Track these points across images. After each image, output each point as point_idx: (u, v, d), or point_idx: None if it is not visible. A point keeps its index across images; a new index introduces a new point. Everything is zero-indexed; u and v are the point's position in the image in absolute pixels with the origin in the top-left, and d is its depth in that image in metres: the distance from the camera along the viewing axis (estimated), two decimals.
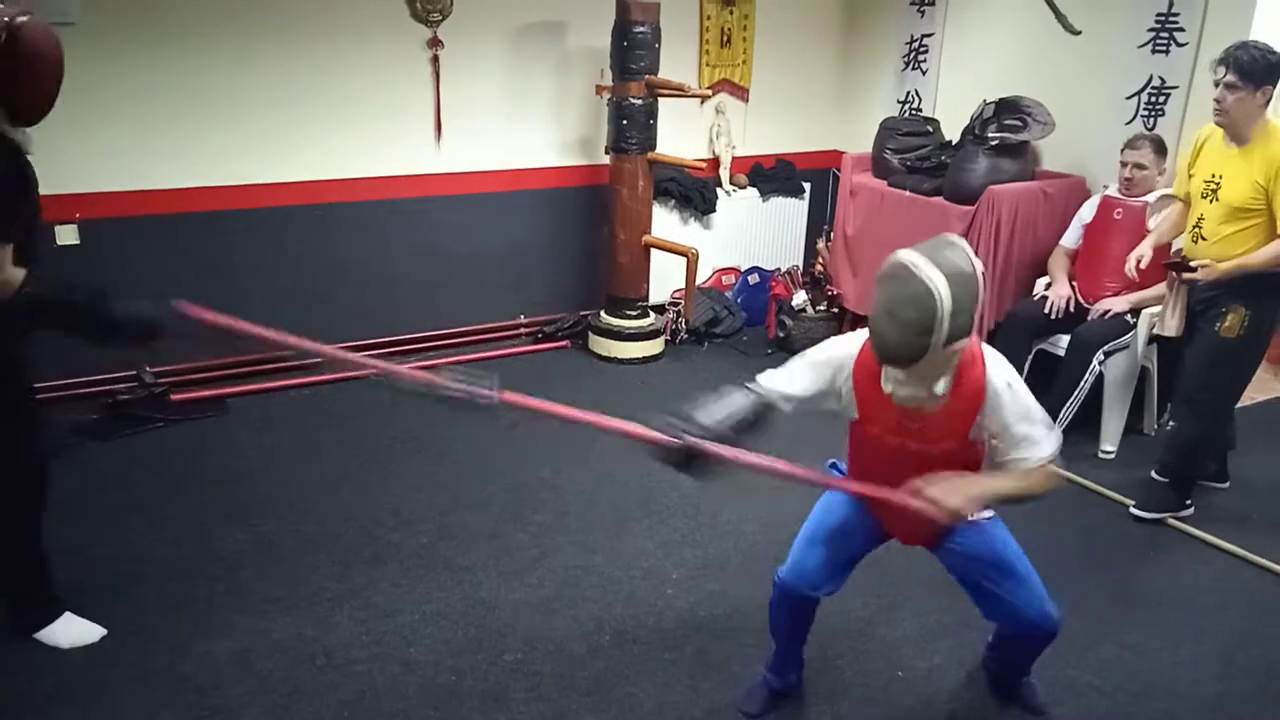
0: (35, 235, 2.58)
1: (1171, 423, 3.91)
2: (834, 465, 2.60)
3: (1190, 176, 3.59)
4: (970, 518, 2.22)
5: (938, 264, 2.00)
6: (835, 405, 2.35)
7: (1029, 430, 2.20)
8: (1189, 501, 3.78)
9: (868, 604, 3.17)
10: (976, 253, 4.83)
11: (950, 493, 2.12)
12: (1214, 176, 3.46)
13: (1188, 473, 3.77)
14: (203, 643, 2.88)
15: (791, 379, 2.34)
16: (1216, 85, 3.32)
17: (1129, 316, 4.16)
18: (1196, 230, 3.54)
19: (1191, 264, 3.51)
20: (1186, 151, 3.69)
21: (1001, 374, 2.20)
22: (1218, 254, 3.46)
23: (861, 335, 2.23)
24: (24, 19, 2.36)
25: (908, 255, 2.03)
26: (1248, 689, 2.89)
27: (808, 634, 2.70)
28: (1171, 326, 3.72)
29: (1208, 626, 3.15)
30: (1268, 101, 3.34)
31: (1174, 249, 3.95)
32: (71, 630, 2.89)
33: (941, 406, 2.17)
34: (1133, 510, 3.78)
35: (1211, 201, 3.47)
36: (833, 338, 2.42)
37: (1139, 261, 3.80)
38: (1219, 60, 3.32)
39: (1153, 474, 3.86)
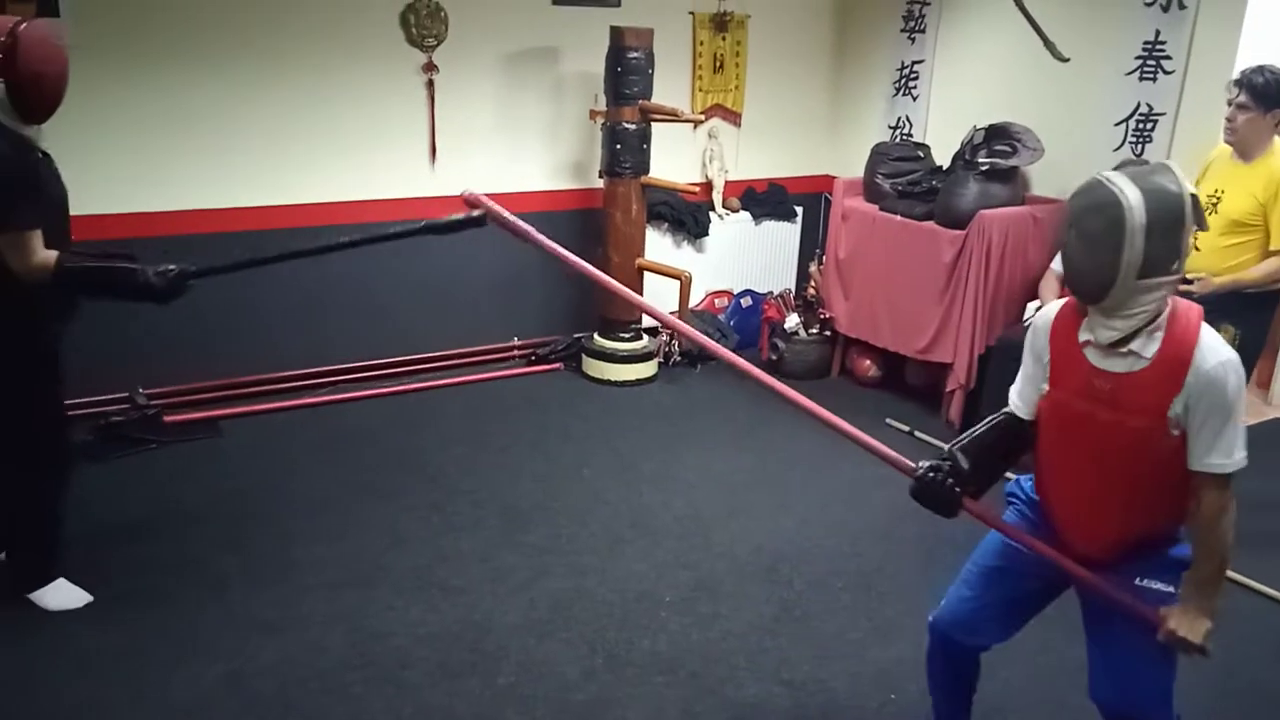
0: (64, 225, 2.86)
1: None
2: (1017, 483, 2.37)
3: (1197, 191, 3.66)
4: (1207, 651, 2.02)
5: (1134, 178, 1.89)
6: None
7: (1222, 433, 1.94)
8: None
9: (861, 626, 3.18)
10: (967, 277, 4.86)
11: (1188, 625, 2.00)
12: (1216, 191, 3.55)
13: None
14: (193, 664, 2.87)
15: (1020, 376, 2.23)
16: (1229, 105, 3.45)
17: None
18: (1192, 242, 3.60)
19: (1188, 277, 3.56)
20: (1195, 172, 3.76)
21: (1219, 354, 1.93)
22: (1210, 266, 3.52)
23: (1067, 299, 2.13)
24: (25, 25, 2.58)
25: (1104, 172, 1.94)
26: (1241, 711, 2.90)
27: (971, 696, 2.48)
28: None
29: None
30: (1278, 124, 3.45)
31: None
32: (60, 594, 3.08)
33: (1140, 370, 1.96)
34: None
35: (1210, 214, 3.54)
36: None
37: None
38: (1234, 81, 3.46)
39: None
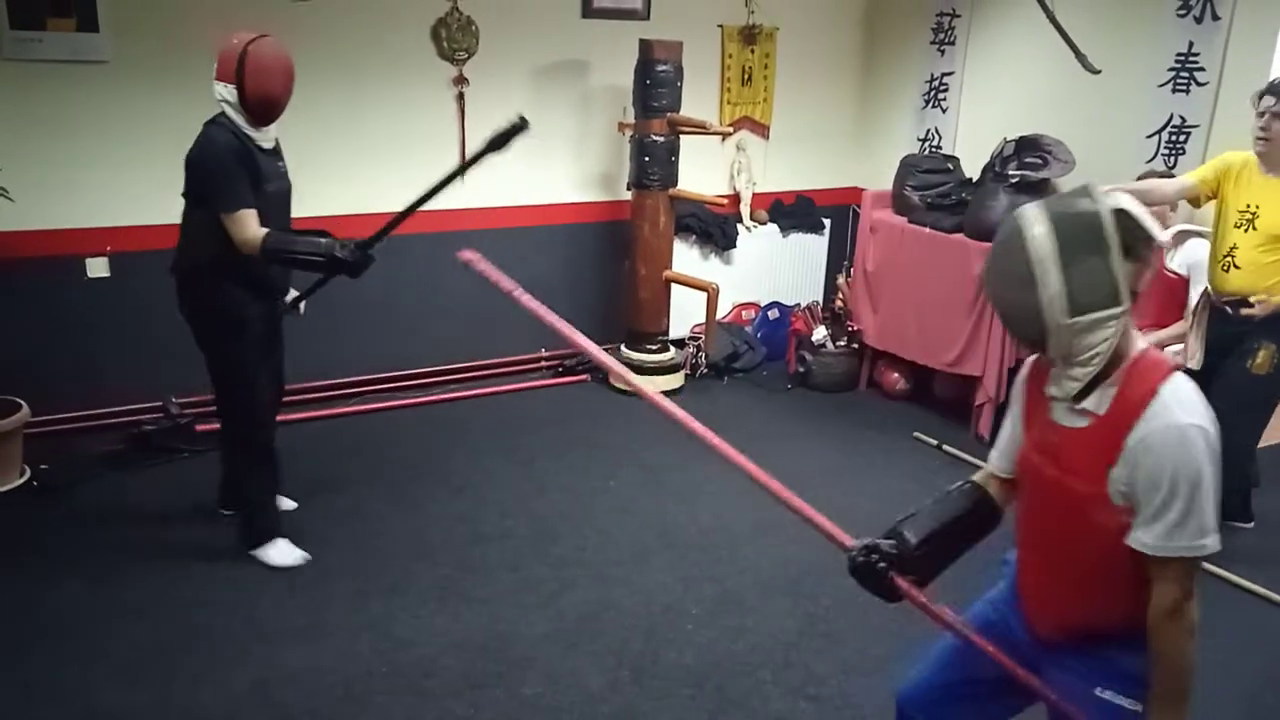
0: (285, 216, 3.35)
1: None
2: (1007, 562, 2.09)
3: (1223, 204, 3.56)
4: None
5: (1047, 206, 1.64)
6: None
7: (1165, 511, 1.62)
8: None
9: (886, 642, 3.15)
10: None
11: None
12: (1250, 206, 3.45)
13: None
14: (221, 672, 2.90)
15: (1002, 430, 1.99)
16: (1262, 115, 3.37)
17: None
18: (1229, 259, 3.52)
19: (1250, 300, 3.48)
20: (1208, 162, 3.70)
21: (1173, 416, 1.62)
22: (1251, 284, 3.46)
23: None
24: (254, 43, 3.00)
25: (1023, 206, 1.70)
26: None
27: None
28: (1197, 358, 3.73)
29: (1232, 668, 3.11)
30: None
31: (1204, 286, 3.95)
32: (284, 553, 3.45)
33: (1085, 426, 1.71)
34: None
35: (1247, 231, 3.46)
36: None
37: None
38: (1266, 90, 3.38)
39: None
